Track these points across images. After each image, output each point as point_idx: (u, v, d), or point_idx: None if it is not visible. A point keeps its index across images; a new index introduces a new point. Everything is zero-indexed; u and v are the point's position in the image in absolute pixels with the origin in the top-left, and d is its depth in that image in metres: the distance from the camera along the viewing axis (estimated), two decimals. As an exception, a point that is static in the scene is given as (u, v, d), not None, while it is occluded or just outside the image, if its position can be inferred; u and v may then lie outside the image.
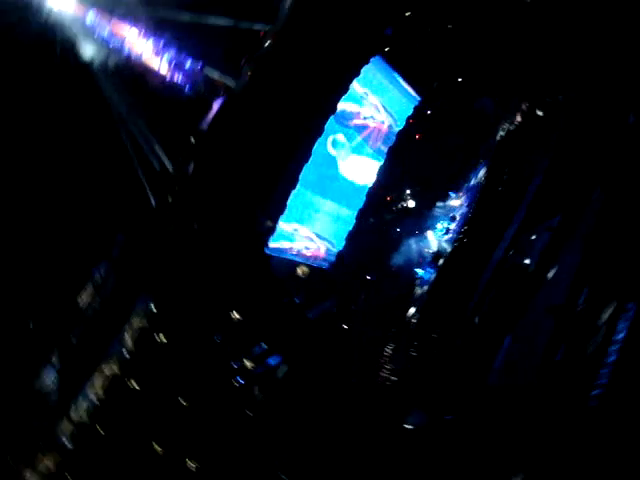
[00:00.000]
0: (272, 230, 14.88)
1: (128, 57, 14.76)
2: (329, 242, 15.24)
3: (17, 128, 14.20)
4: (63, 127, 14.63)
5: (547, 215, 14.17)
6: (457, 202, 14.90)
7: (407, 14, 15.15)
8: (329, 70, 14.73)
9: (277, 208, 14.92)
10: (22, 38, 13.51)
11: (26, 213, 14.75)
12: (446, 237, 14.97)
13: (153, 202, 15.27)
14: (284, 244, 15.14)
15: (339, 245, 15.40)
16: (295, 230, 15.09)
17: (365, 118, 14.93)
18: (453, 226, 15.05)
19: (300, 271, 15.20)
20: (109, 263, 15.11)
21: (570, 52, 14.02)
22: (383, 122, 15.22)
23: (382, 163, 15.24)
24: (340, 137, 14.72)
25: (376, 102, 15.12)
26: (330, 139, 14.49)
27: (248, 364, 15.20)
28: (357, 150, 15.11)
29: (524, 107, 15.13)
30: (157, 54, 14.84)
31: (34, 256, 14.98)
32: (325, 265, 15.45)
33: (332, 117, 14.68)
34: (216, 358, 15.06)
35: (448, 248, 15.01)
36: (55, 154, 14.72)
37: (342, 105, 14.72)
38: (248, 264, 14.96)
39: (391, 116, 15.94)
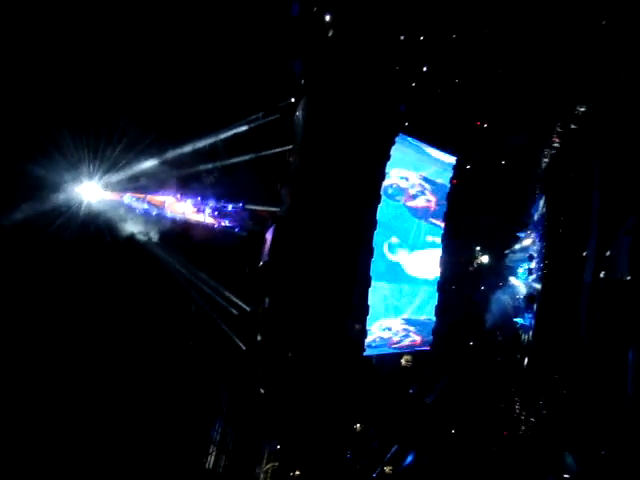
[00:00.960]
0: (363, 332, 14.86)
1: (174, 223, 15.20)
2: (423, 322, 15.15)
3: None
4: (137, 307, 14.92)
5: (618, 222, 13.99)
6: (529, 241, 14.75)
7: (413, 85, 15.42)
8: (360, 164, 14.97)
9: (360, 309, 14.93)
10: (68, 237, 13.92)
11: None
12: (531, 277, 14.74)
13: (242, 346, 15.40)
14: (379, 341, 15.07)
15: (429, 325, 15.31)
16: (385, 325, 15.03)
17: (415, 197, 15.02)
18: (534, 264, 14.85)
19: (404, 361, 15.07)
20: (222, 419, 15.19)
21: (585, 60, 14.08)
22: (433, 196, 15.30)
23: (443, 232, 15.24)
24: (394, 240, 14.84)
25: (418, 179, 15.25)
26: (385, 246, 14.57)
27: (387, 470, 15.00)
28: (415, 245, 15.19)
29: (557, 128, 15.12)
30: (199, 210, 15.25)
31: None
32: (426, 347, 15.30)
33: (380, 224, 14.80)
34: (353, 475, 14.92)
35: (537, 287, 14.76)
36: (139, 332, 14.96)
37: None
38: (352, 373, 14.92)
39: (435, 185, 16.03)
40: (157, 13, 13.70)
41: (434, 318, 15.35)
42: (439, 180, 15.45)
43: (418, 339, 15.24)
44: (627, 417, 12.31)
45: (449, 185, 15.37)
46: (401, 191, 14.97)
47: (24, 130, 12.33)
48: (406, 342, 15.06)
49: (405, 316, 15.12)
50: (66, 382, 12.58)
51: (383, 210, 14.97)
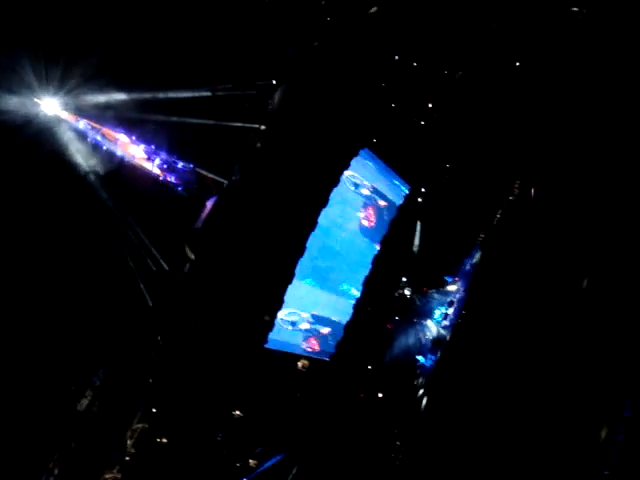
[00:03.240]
0: (271, 324, 14.98)
1: (121, 161, 15.08)
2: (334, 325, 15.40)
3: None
4: (56, 233, 14.73)
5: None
6: (454, 287, 15.09)
7: (392, 105, 15.65)
8: (319, 165, 15.12)
9: (275, 302, 15.04)
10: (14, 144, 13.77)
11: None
12: (445, 323, 15.09)
13: (150, 302, 15.36)
14: (284, 337, 15.22)
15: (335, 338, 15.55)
16: (294, 321, 15.18)
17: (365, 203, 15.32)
18: (451, 311, 15.20)
19: (301, 364, 15.24)
20: (107, 369, 15.12)
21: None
22: (374, 215, 15.56)
23: (377, 252, 15.49)
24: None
25: (369, 190, 15.50)
26: (317, 250, 14.78)
27: (252, 462, 15.12)
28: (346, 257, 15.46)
29: (516, 185, 15.51)
30: (149, 158, 15.17)
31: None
32: (325, 357, 15.50)
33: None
34: (219, 458, 14.99)
35: (447, 335, 15.12)
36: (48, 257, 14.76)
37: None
38: (247, 361, 15.01)
39: (385, 199, 16.26)
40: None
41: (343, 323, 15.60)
42: (390, 196, 15.71)
43: (317, 346, 15.45)
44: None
45: (397, 204, 15.64)
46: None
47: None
48: (308, 344, 15.26)
49: (316, 312, 15.29)
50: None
51: (326, 215, 15.10)
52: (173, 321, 15.07)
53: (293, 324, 15.16)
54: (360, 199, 15.62)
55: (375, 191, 16.12)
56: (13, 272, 13.65)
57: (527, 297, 14.35)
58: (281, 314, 15.11)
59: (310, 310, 15.66)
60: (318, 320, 15.84)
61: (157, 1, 14.73)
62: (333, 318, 16.04)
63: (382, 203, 16.18)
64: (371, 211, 15.70)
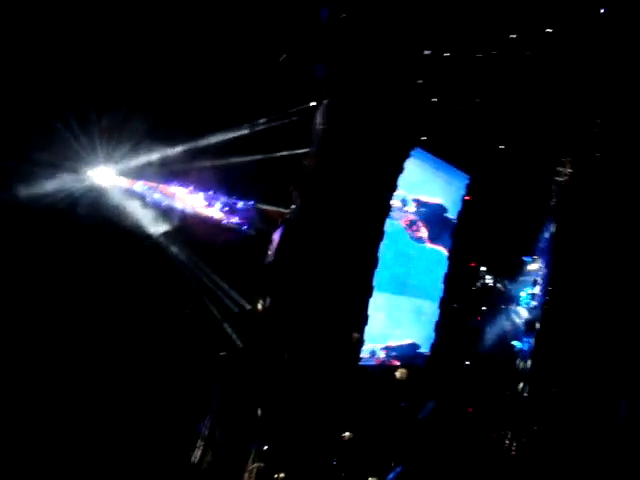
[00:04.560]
0: (361, 341, 15.01)
1: (183, 214, 15.36)
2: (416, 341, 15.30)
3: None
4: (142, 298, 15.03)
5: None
6: (535, 266, 14.91)
7: (434, 100, 15.59)
8: (374, 174, 15.15)
9: (359, 318, 15.09)
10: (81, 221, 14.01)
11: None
12: (533, 303, 14.90)
13: (239, 343, 15.55)
14: (366, 350, 15.23)
15: (427, 341, 15.43)
16: (383, 335, 15.18)
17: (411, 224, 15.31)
18: (537, 290, 15.00)
19: (399, 374, 15.21)
20: (212, 415, 15.31)
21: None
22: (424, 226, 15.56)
23: (449, 249, 15.42)
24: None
25: (414, 206, 15.50)
26: (390, 258, 14.81)
27: (372, 481, 15.13)
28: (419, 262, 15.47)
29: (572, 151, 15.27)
30: (209, 204, 15.42)
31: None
32: (420, 362, 15.45)
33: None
34: (338, 482, 15.04)
35: (538, 314, 14.91)
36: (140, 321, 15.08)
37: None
38: (346, 381, 15.07)
39: (429, 208, 16.15)
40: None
41: (433, 335, 15.51)
42: (435, 200, 15.64)
43: (412, 355, 15.44)
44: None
45: (457, 204, 15.54)
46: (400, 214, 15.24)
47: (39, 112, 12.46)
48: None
49: (403, 329, 15.27)
50: (59, 376, 12.70)
51: (391, 222, 15.12)
52: (267, 357, 15.23)
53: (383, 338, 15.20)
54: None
55: (418, 201, 16.01)
56: (114, 336, 13.88)
57: (611, 262, 14.10)
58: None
59: (396, 326, 15.60)
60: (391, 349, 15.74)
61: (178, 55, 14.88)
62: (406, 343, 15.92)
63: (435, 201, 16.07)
64: (420, 225, 15.67)
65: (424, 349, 15.62)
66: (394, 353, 15.21)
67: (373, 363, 15.20)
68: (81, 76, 13.08)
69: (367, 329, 15.10)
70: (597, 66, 13.86)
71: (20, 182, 12.31)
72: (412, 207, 15.38)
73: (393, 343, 15.22)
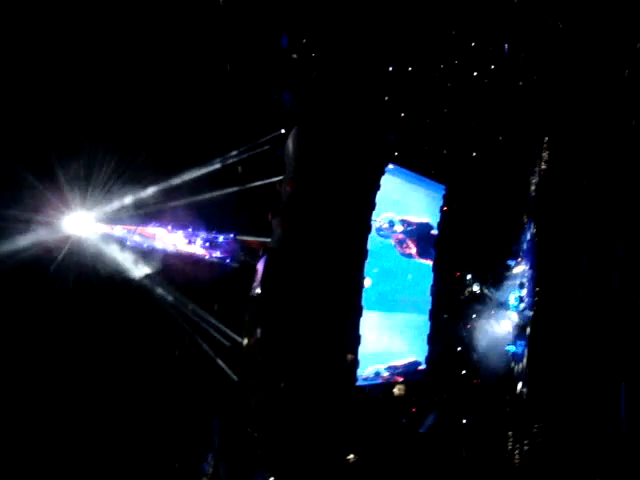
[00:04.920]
0: (355, 362, 15.01)
1: (165, 254, 15.29)
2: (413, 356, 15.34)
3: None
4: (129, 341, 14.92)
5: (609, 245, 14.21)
6: (520, 268, 15.00)
7: (402, 115, 15.71)
8: (351, 194, 15.20)
9: (352, 339, 15.08)
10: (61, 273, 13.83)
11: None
12: (522, 305, 14.97)
13: (235, 377, 15.47)
14: (372, 370, 15.22)
15: (421, 354, 15.47)
16: (378, 354, 15.19)
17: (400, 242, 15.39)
18: (525, 292, 15.07)
19: (397, 390, 15.22)
20: (215, 451, 15.21)
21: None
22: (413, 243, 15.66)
23: (434, 261, 15.50)
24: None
25: (401, 225, 15.59)
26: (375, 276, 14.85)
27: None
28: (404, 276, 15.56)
29: (543, 150, 15.40)
30: (190, 241, 15.38)
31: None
32: (419, 376, 15.47)
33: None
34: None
35: (529, 314, 14.98)
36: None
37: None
38: (345, 403, 15.04)
39: (416, 226, 16.25)
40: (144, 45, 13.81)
41: (426, 348, 15.54)
42: (421, 219, 15.82)
43: (409, 370, 15.45)
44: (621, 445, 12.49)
45: (437, 216, 15.65)
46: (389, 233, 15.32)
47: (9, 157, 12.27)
48: (397, 373, 15.27)
49: (397, 345, 15.28)
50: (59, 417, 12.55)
51: (373, 240, 15.16)
52: (263, 388, 15.17)
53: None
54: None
55: (404, 222, 16.10)
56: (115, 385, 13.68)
57: (595, 256, 14.17)
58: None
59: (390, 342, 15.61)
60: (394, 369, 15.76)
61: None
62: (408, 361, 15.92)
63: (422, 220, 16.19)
64: (409, 242, 15.78)
65: (421, 364, 15.66)
66: (398, 371, 15.24)
67: (378, 382, 15.19)
68: (44, 125, 13.03)
69: (361, 349, 15.07)
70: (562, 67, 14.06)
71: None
72: (400, 227, 15.47)
73: (397, 362, 15.28)
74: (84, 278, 14.13)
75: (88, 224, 14.45)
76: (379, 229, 14.93)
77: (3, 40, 11.27)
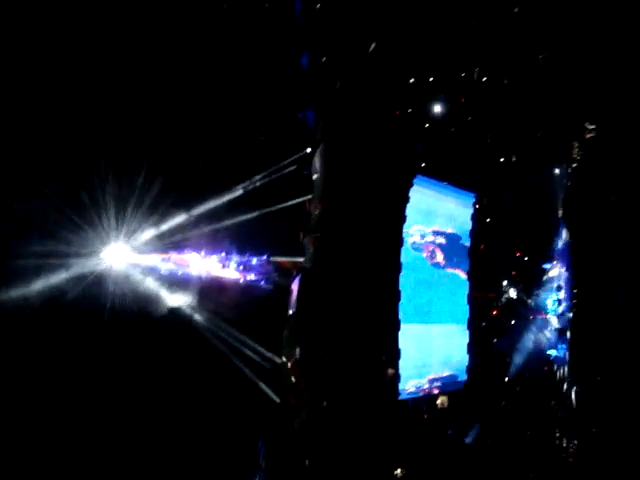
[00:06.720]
0: (396, 376, 15.00)
1: (200, 280, 15.45)
2: (453, 368, 15.31)
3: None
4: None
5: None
6: (555, 271, 14.93)
7: (426, 125, 15.76)
8: (380, 208, 15.25)
9: (392, 353, 15.08)
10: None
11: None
12: (561, 308, 14.89)
13: (276, 399, 15.56)
14: (413, 384, 15.20)
15: (462, 365, 15.43)
16: (418, 366, 15.17)
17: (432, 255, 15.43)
18: (562, 294, 15.00)
19: (440, 402, 15.18)
20: (261, 473, 15.30)
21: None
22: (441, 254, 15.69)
23: (468, 269, 15.47)
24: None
25: (432, 235, 15.60)
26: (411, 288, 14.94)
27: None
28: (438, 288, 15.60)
29: (574, 151, 15.35)
30: (224, 265, 15.53)
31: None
32: (460, 386, 15.43)
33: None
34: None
35: (569, 316, 14.91)
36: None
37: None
38: (389, 418, 15.04)
39: (446, 236, 16.23)
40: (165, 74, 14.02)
41: (467, 357, 15.49)
42: (449, 230, 15.85)
43: (450, 381, 15.43)
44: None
45: (468, 224, 15.62)
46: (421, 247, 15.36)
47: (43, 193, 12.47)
48: (438, 384, 15.27)
49: (431, 377, 15.27)
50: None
51: (406, 252, 15.18)
52: (305, 408, 15.22)
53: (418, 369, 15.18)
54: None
55: (435, 233, 16.10)
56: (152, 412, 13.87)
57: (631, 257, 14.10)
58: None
59: (429, 354, 15.57)
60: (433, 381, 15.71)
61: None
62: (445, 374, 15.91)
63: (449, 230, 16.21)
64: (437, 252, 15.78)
65: (461, 375, 15.61)
66: (438, 383, 15.21)
67: (420, 395, 15.16)
68: (79, 161, 13.26)
69: (401, 362, 15.06)
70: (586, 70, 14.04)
71: (30, 279, 12.29)
72: (430, 237, 15.48)
73: (436, 375, 15.25)
74: (124, 308, 14.40)
75: (123, 255, 14.71)
76: (413, 243, 14.97)
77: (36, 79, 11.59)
